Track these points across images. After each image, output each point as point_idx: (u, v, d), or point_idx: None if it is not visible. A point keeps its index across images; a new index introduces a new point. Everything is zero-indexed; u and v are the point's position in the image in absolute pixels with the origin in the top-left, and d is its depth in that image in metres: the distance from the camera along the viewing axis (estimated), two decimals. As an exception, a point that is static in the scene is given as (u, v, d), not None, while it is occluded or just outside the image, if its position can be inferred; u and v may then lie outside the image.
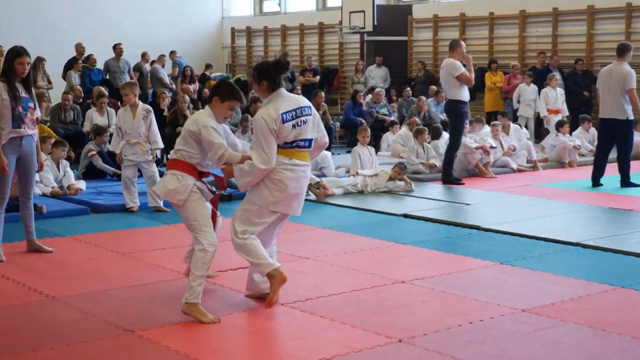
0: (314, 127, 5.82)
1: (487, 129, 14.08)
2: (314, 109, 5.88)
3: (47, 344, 5.05)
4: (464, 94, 11.62)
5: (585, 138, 14.92)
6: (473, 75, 11.78)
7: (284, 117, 5.58)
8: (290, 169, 5.69)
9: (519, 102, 16.72)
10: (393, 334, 5.21)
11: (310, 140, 5.79)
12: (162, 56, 18.17)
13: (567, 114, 15.75)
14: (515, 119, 16.55)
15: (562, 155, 13.77)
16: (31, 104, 7.19)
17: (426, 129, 13.12)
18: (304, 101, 5.83)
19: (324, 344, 5.09)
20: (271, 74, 5.69)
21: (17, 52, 7.08)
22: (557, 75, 16.02)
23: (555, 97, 15.63)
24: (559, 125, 14.10)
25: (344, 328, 5.36)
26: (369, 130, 12.30)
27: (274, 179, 5.67)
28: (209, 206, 5.82)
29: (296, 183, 5.74)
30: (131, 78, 16.42)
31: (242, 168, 5.61)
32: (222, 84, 6.09)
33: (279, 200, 5.73)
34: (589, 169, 11.76)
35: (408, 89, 18.05)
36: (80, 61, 16.81)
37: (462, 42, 11.95)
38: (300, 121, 5.67)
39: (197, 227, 5.65)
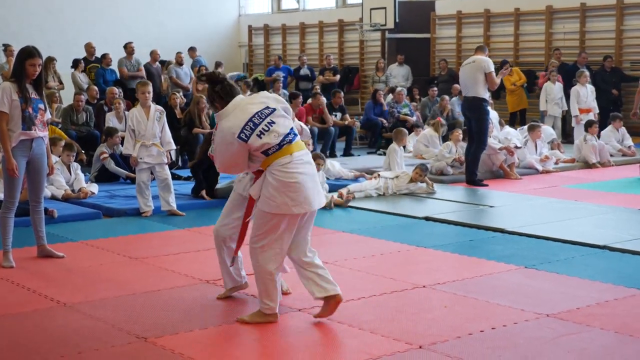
0: (287, 116, 5.49)
1: (507, 129, 13.96)
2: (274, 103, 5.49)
3: (58, 352, 4.99)
4: (486, 93, 11.53)
5: (614, 137, 14.68)
6: (499, 81, 11.74)
7: (242, 136, 5.28)
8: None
9: (546, 101, 16.48)
10: (413, 340, 5.15)
11: (291, 130, 5.46)
12: (180, 54, 17.97)
13: (598, 111, 15.47)
14: (542, 118, 16.36)
15: (588, 155, 13.56)
16: (41, 106, 7.10)
17: (459, 128, 12.98)
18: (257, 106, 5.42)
19: (342, 351, 5.07)
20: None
21: (29, 53, 6.99)
22: (587, 72, 15.71)
23: (586, 94, 15.35)
24: (588, 126, 13.90)
25: (363, 334, 5.30)
26: (406, 131, 12.50)
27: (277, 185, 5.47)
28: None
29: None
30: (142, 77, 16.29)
31: None
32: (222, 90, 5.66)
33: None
34: (617, 170, 11.58)
35: (435, 89, 17.87)
36: (82, 61, 16.67)
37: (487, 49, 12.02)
38: (265, 126, 5.33)
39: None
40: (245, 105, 5.39)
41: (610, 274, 6.71)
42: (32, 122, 6.98)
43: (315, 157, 10.31)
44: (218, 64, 20.17)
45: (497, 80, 11.61)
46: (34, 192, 7.32)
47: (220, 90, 5.49)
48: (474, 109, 11.61)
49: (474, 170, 11.66)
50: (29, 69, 6.94)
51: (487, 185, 11.52)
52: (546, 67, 17.27)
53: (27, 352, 5.00)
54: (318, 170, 10.16)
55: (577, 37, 17.98)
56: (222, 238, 5.94)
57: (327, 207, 9.60)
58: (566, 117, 16.57)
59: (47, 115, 7.24)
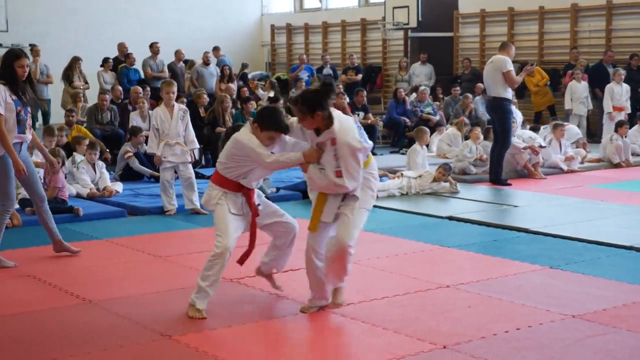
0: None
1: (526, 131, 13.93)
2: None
3: (83, 349, 5.02)
4: (509, 92, 11.45)
5: (640, 137, 14.58)
6: (520, 80, 11.64)
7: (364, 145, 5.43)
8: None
9: (571, 100, 16.37)
10: (437, 340, 5.13)
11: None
12: (206, 54, 17.98)
13: (629, 111, 15.32)
14: (567, 117, 16.26)
15: (612, 155, 13.47)
16: (29, 108, 7.07)
17: (479, 127, 12.92)
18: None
19: (366, 350, 5.04)
20: (322, 102, 5.39)
21: (17, 55, 6.92)
22: (622, 71, 15.54)
23: (620, 93, 15.19)
24: (618, 126, 13.80)
25: (387, 333, 5.28)
26: (427, 130, 12.48)
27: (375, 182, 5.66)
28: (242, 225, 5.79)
29: None
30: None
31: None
32: (265, 111, 5.75)
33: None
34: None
35: (458, 88, 17.78)
36: (112, 60, 16.72)
37: (513, 47, 11.84)
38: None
39: (217, 229, 5.74)
40: (339, 114, 5.51)
41: (637, 275, 6.65)
42: (25, 126, 6.96)
43: None
44: (244, 66, 20.18)
45: (519, 79, 11.52)
46: (35, 194, 7.26)
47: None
48: (496, 109, 11.56)
49: (499, 170, 11.60)
50: (18, 71, 6.90)
51: (510, 185, 11.46)
52: (571, 66, 17.15)
53: (53, 348, 5.03)
54: None
55: (602, 36, 17.81)
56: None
57: None
58: (589, 117, 16.46)
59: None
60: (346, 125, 5.42)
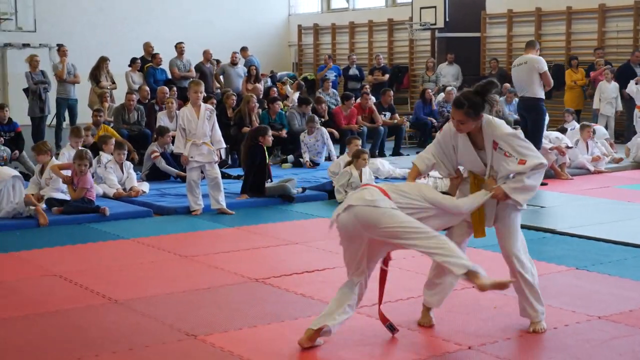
0: None
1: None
2: None
3: (109, 348, 5.05)
4: (542, 92, 11.37)
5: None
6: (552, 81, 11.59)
7: None
8: None
9: (599, 100, 16.25)
10: (463, 341, 5.12)
11: None
12: (235, 54, 18.01)
13: None
14: (595, 118, 16.15)
15: (640, 155, 13.41)
16: None
17: None
18: None
19: (391, 350, 5.04)
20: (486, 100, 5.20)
21: None
22: None
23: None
24: None
25: (412, 334, 5.28)
26: None
27: None
28: None
29: None
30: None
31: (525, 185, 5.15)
32: None
33: None
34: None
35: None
36: (140, 60, 16.79)
37: (538, 44, 11.74)
38: None
39: None
40: None
41: (664, 276, 6.60)
42: None
43: (360, 153, 10.34)
44: (273, 72, 20.13)
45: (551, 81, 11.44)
46: None
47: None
48: (531, 109, 11.43)
49: None
50: None
51: (546, 184, 11.22)
52: (593, 67, 17.07)
53: (80, 347, 5.06)
54: (364, 166, 10.20)
55: (630, 36, 17.67)
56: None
57: None
58: (617, 118, 16.34)
59: None
60: (486, 120, 5.22)
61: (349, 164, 10.34)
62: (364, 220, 4.94)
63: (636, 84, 15.00)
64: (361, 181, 10.15)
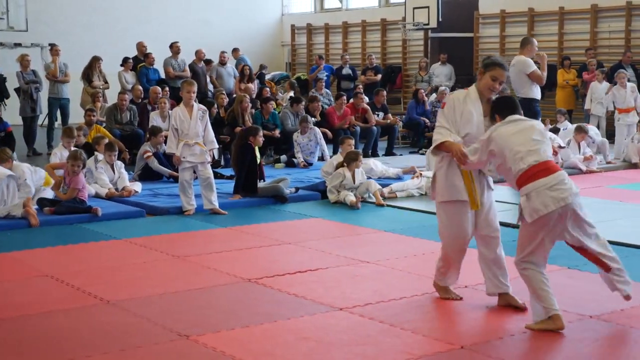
0: None
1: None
2: None
3: (101, 349, 5.04)
4: (537, 92, 11.36)
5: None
6: (545, 74, 11.50)
7: None
8: None
9: (591, 100, 16.29)
10: (455, 340, 5.13)
11: None
12: (223, 53, 17.98)
13: None
14: (586, 118, 16.18)
15: (632, 155, 13.40)
16: None
17: None
18: None
19: (383, 350, 5.03)
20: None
21: None
22: (624, 72, 15.45)
23: (624, 95, 15.15)
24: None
25: (404, 334, 5.28)
26: None
27: None
28: None
29: None
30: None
31: None
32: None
33: None
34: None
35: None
36: (132, 60, 16.75)
37: (534, 40, 11.66)
38: None
39: None
40: None
41: (656, 276, 6.61)
42: None
43: (355, 156, 10.34)
44: (263, 67, 20.13)
45: (543, 74, 11.39)
46: None
47: None
48: (525, 110, 11.43)
49: None
50: None
51: None
52: (585, 67, 17.12)
53: (72, 348, 5.05)
54: (357, 167, 10.21)
55: (622, 36, 17.71)
56: None
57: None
58: (608, 118, 16.36)
59: None
60: None
61: (341, 165, 10.34)
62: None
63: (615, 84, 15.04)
64: (354, 183, 10.16)
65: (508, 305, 5.77)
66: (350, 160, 10.25)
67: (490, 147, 5.46)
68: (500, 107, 5.73)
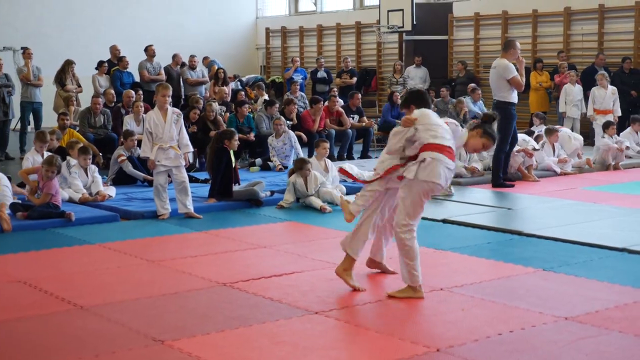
0: None
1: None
2: None
3: (75, 354, 5.00)
4: (513, 96, 11.42)
5: (633, 139, 14.60)
6: (524, 79, 11.57)
7: None
8: None
9: (565, 103, 16.40)
10: (431, 343, 5.13)
11: None
12: (193, 57, 17.84)
13: (620, 114, 15.37)
14: (560, 120, 16.28)
15: (606, 157, 13.49)
16: None
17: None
18: None
19: (358, 354, 5.05)
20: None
21: None
22: (604, 74, 15.59)
23: (603, 96, 15.26)
24: (605, 127, 13.82)
25: (380, 337, 5.28)
26: None
27: None
28: None
29: None
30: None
31: None
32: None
33: None
34: (636, 172, 11.48)
35: (443, 89, 17.71)
36: (107, 63, 16.64)
37: (518, 43, 11.71)
38: None
39: None
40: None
41: (630, 277, 6.65)
42: None
43: (302, 164, 10.27)
44: (236, 77, 19.98)
45: (522, 80, 11.46)
46: None
47: None
48: (499, 112, 11.48)
49: (498, 174, 11.56)
50: None
51: (513, 186, 11.44)
52: (557, 70, 17.24)
53: (45, 355, 5.00)
54: (309, 174, 10.14)
55: (595, 39, 17.84)
56: None
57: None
58: (582, 120, 16.49)
59: None
60: None
61: (292, 173, 10.30)
62: None
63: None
64: (307, 190, 10.07)
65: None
66: (296, 170, 10.21)
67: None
68: (415, 99, 6.61)
